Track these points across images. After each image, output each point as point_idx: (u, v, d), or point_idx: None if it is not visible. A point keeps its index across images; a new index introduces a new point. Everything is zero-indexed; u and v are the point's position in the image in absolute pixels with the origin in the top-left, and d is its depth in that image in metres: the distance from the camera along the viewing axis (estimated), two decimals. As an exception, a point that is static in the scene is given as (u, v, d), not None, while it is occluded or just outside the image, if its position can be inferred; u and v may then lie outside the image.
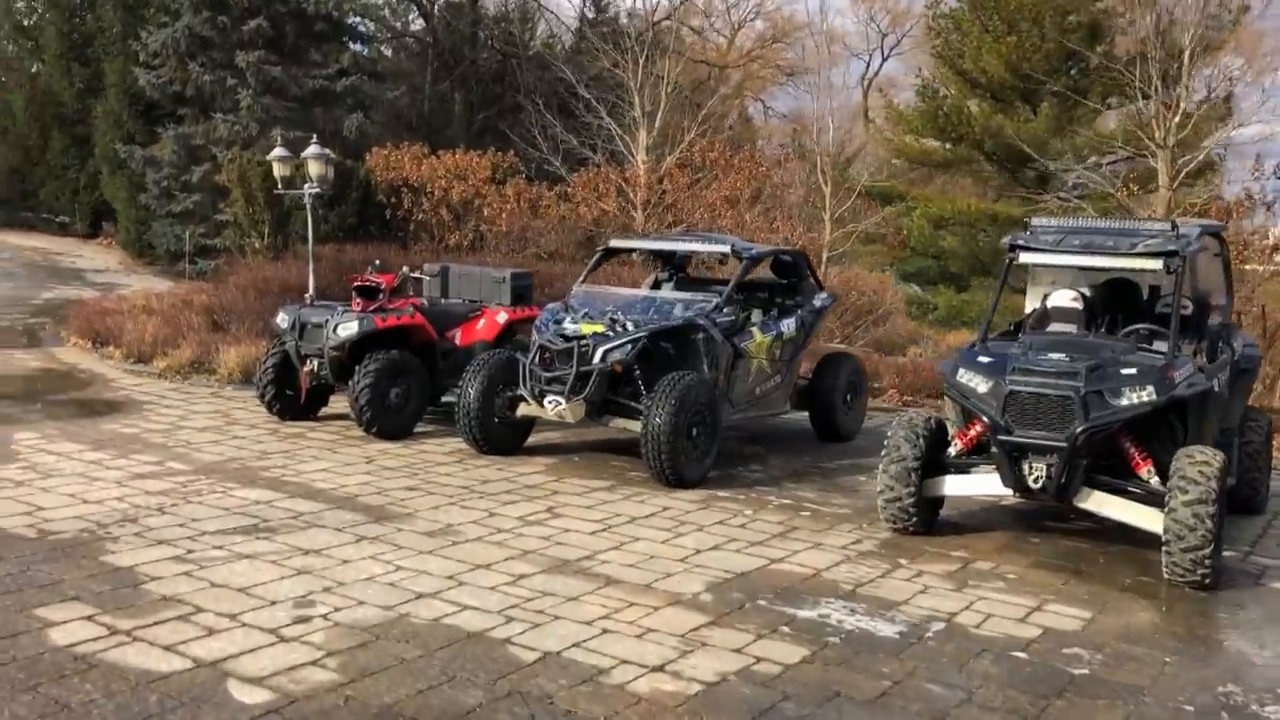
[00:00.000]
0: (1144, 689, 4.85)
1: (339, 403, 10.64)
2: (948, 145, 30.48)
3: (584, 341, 8.47)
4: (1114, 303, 8.15)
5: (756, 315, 9.90)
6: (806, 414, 10.35)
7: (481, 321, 10.66)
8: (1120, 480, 6.78)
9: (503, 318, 10.70)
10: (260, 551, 6.19)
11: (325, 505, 7.24)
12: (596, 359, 8.44)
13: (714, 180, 18.82)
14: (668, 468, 8.06)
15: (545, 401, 8.51)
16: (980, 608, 5.81)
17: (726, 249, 9.58)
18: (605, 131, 22.48)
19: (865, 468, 9.28)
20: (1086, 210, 27.02)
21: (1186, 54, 14.96)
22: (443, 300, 11.17)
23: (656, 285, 10.76)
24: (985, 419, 6.79)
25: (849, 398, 10.46)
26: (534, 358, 8.63)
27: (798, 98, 43.79)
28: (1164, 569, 6.34)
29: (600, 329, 8.59)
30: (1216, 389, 7.10)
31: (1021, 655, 5.15)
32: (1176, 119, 14.93)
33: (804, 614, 5.56)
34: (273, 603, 5.38)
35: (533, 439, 9.40)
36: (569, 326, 8.72)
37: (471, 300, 11.08)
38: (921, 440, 7.10)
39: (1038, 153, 28.37)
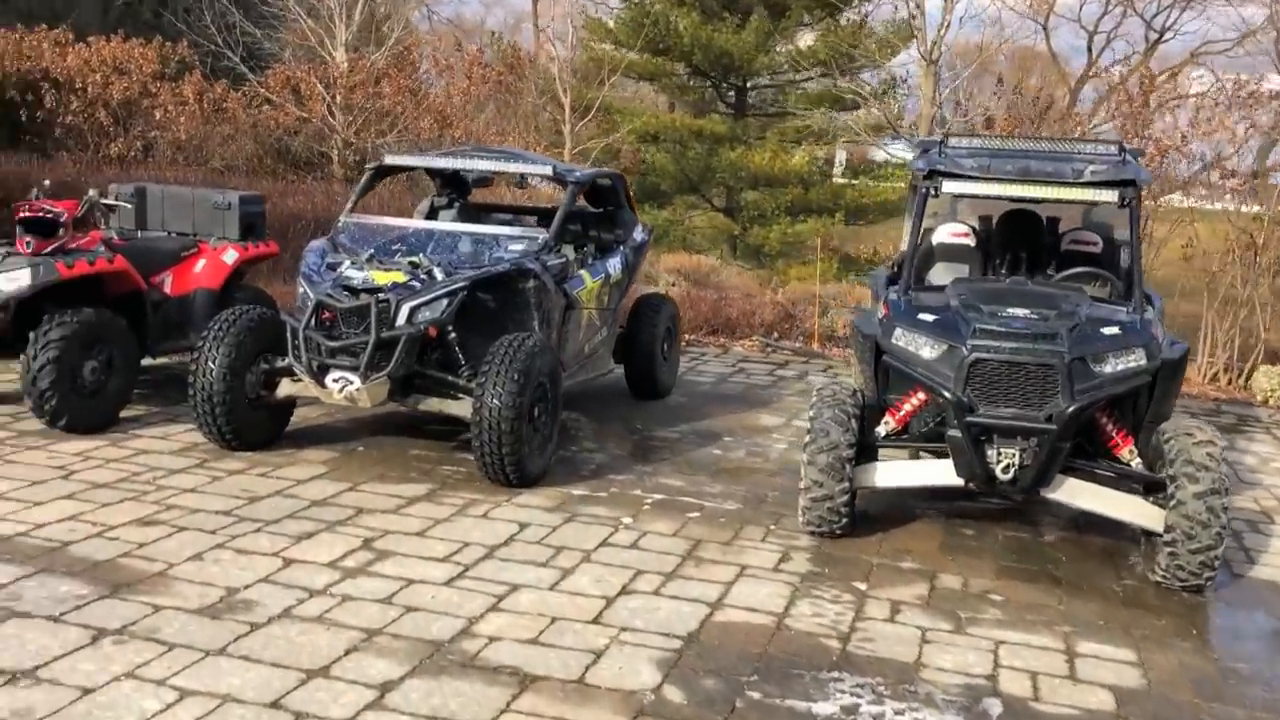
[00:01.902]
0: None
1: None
2: (651, 56, 29.22)
3: (382, 296, 6.25)
4: (1012, 239, 7.00)
5: (569, 252, 8.00)
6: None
7: (201, 262, 8.03)
8: (1088, 463, 5.63)
9: (230, 257, 8.12)
10: (-73, 686, 3.71)
11: (20, 568, 4.71)
12: (402, 319, 6.25)
13: (448, 85, 16.36)
14: (510, 463, 6.10)
15: (329, 380, 6.24)
16: (1011, 661, 4.41)
17: (547, 170, 7.53)
18: (296, 25, 19.24)
19: (707, 435, 7.76)
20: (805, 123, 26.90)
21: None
22: (139, 234, 8.39)
23: (432, 215, 8.57)
24: (945, 394, 5.38)
25: (665, 347, 8.85)
26: (309, 319, 6.30)
27: (464, 3, 41.03)
28: (1159, 571, 5.25)
29: (400, 277, 6.39)
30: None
31: (1136, 750, 3.80)
32: (944, 31, 14.39)
33: (822, 710, 3.91)
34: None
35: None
36: (354, 274, 6.44)
37: (180, 233, 8.39)
38: (853, 421, 5.60)
39: (745, 66, 27.85)
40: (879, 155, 31.88)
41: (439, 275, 6.45)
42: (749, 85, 29.98)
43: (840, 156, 30.90)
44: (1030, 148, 6.59)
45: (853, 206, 27.54)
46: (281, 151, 18.09)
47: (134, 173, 14.66)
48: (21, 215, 6.91)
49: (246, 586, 4.66)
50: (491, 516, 5.77)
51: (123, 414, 7.14)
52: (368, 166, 7.88)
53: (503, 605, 4.64)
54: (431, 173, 8.59)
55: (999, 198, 6.34)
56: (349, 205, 7.55)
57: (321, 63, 17.68)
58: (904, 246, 7.27)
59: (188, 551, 5.00)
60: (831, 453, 5.51)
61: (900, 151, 29.01)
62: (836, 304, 15.76)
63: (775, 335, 12.09)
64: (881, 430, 5.81)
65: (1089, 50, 24.23)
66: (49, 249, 6.82)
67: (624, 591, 4.86)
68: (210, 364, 6.42)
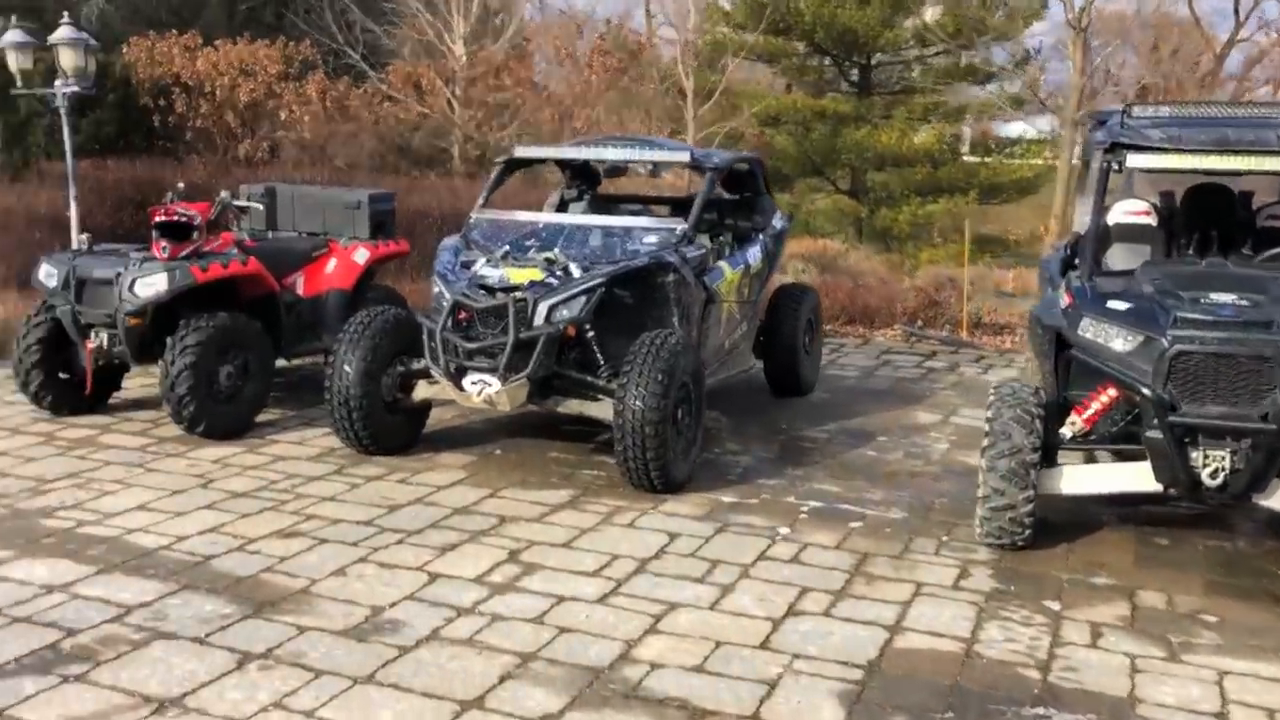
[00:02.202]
0: None
1: (135, 384, 7.76)
2: (770, 37, 28.54)
3: (519, 295, 5.97)
4: (1200, 216, 6.35)
5: (704, 242, 7.60)
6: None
7: (331, 262, 7.91)
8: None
9: (362, 256, 7.98)
10: (78, 716, 3.54)
11: (164, 584, 4.56)
12: (539, 319, 5.97)
13: (568, 74, 16.14)
14: (654, 469, 5.76)
15: (467, 382, 5.99)
16: (1241, 696, 3.88)
17: (684, 157, 7.17)
18: (415, 20, 19.27)
19: (859, 434, 7.29)
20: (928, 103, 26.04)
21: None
22: (270, 234, 8.32)
23: (562, 208, 8.28)
24: (1143, 390, 4.82)
25: (808, 340, 8.39)
26: (446, 320, 6.05)
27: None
28: (1399, 590, 4.63)
29: (536, 275, 6.11)
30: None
31: None
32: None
33: (1035, 756, 3.47)
34: None
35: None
36: (489, 273, 6.18)
37: (310, 233, 8.28)
38: (1037, 423, 5.09)
39: (870, 43, 27.01)
40: (1009, 130, 30.62)
41: (576, 272, 6.15)
42: (873, 62, 29.08)
43: (965, 133, 29.77)
44: (1222, 114, 5.95)
45: (986, 185, 26.50)
46: (402, 148, 18.14)
47: (260, 173, 14.83)
48: (158, 219, 6.86)
49: (392, 605, 4.41)
50: (639, 526, 5.44)
51: (258, 418, 7.04)
52: (497, 160, 7.62)
53: (661, 626, 4.29)
54: (561, 164, 8.30)
55: (1193, 171, 5.72)
56: (480, 200, 7.31)
57: (440, 57, 17.63)
58: (1077, 227, 6.68)
59: (330, 566, 4.80)
60: (1014, 457, 5.01)
61: (1041, 126, 27.81)
62: (975, 288, 15.05)
63: (919, 324, 11.51)
64: (1066, 431, 5.27)
65: (1235, 13, 22.63)
66: (184, 253, 6.75)
67: (791, 612, 4.47)
68: (346, 368, 6.25)
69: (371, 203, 8.12)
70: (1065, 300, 5.34)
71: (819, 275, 14.71)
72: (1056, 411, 5.34)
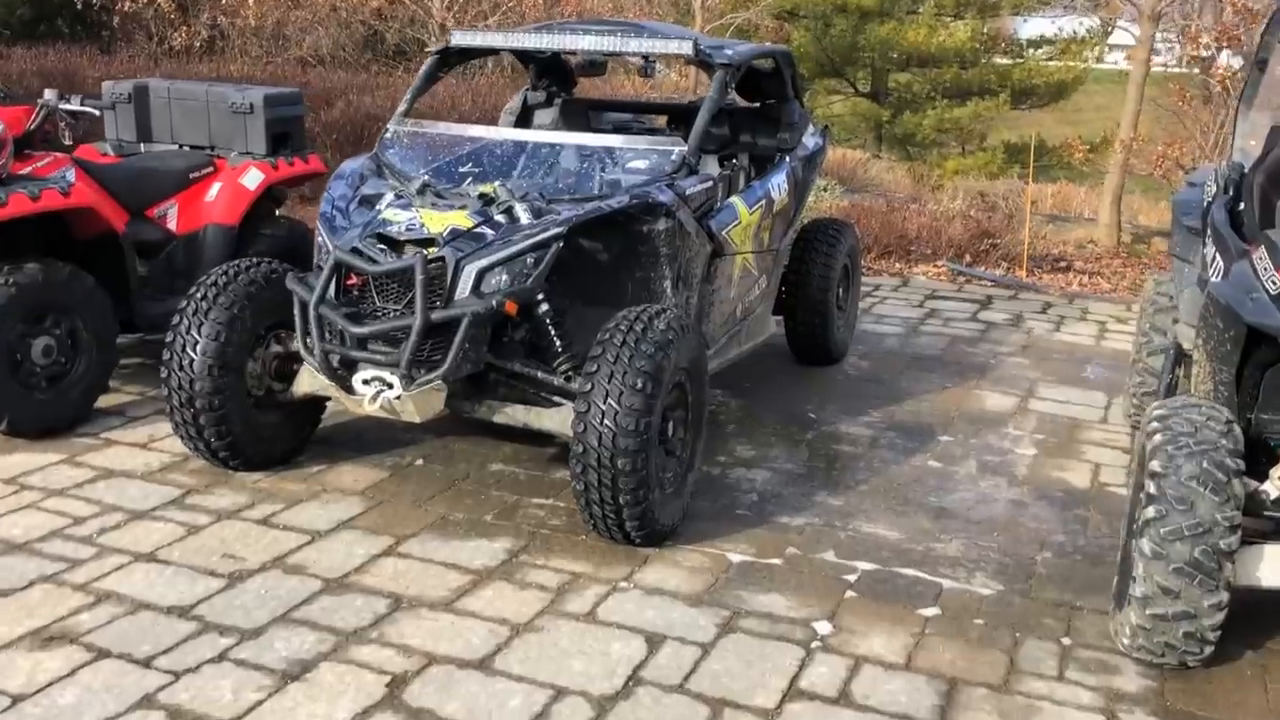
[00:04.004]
0: None
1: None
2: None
3: (432, 253, 4.01)
4: None
5: (710, 170, 5.59)
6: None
7: (215, 187, 5.92)
8: None
9: (253, 180, 5.98)
10: None
11: None
12: (464, 289, 4.01)
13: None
14: (630, 516, 3.87)
15: (358, 381, 4.06)
16: None
17: (685, 48, 5.09)
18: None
19: (912, 433, 5.41)
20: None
21: None
22: (142, 147, 6.32)
23: (525, 117, 6.26)
24: None
25: (842, 293, 6.45)
26: (324, 289, 4.10)
27: None
28: None
29: (463, 221, 4.13)
30: None
31: None
32: None
33: None
34: None
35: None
36: (395, 215, 4.21)
37: (194, 146, 6.28)
38: (1235, 483, 3.18)
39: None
40: (1026, 30, 28.01)
41: (522, 215, 4.18)
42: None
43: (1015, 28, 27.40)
44: None
45: (1019, 88, 24.16)
46: (369, 40, 15.97)
47: (196, 67, 12.72)
48: (-62, 131, 4.85)
49: (159, 824, 2.57)
50: (601, 619, 3.57)
51: (100, 404, 5.16)
52: (429, 50, 5.57)
53: None
54: (525, 59, 6.25)
55: None
56: (401, 107, 5.27)
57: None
58: (1238, 156, 4.67)
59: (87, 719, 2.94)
60: (1199, 541, 3.11)
61: (1064, 25, 25.24)
62: (1007, 204, 13.05)
63: (968, 260, 9.52)
64: (1271, 490, 3.38)
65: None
66: (-27, 178, 4.78)
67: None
68: (190, 350, 4.33)
69: (268, 105, 6.08)
70: (1277, 275, 3.37)
71: (841, 195, 12.62)
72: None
